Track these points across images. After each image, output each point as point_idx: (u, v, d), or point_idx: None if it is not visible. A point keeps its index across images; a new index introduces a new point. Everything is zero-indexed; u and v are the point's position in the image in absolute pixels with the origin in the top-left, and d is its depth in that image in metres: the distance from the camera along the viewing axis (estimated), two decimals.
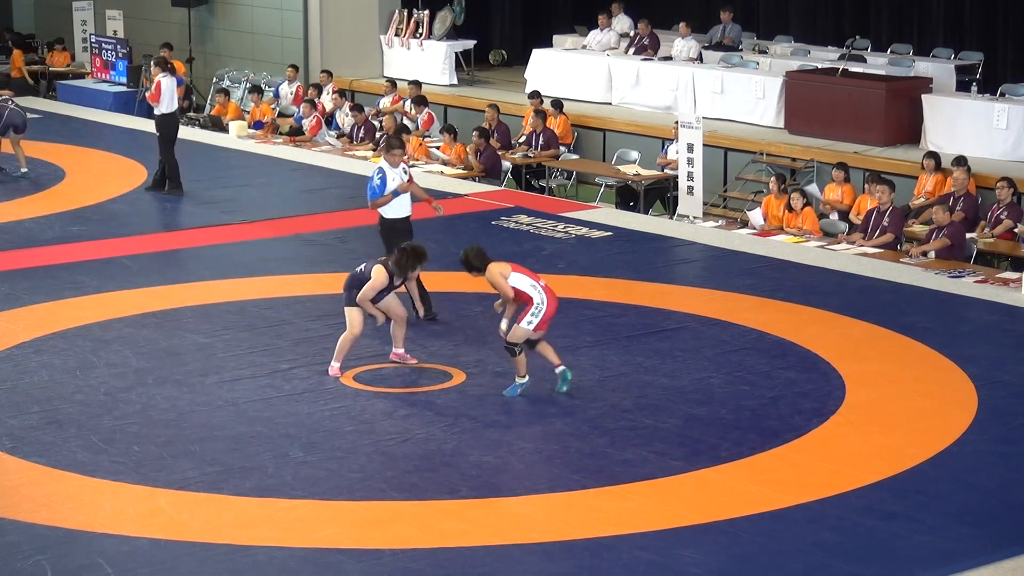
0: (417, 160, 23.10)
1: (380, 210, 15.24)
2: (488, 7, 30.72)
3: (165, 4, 30.45)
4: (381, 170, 15.15)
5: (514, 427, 12.40)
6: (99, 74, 30.19)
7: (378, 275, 13.34)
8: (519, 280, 12.95)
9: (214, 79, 29.70)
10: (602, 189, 22.42)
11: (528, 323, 12.88)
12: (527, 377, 13.07)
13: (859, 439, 12.13)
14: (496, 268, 13.00)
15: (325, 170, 22.73)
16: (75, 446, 11.94)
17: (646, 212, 21.40)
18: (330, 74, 27.10)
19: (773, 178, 19.63)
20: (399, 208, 15.28)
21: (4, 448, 11.91)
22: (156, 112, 21.36)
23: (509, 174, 22.96)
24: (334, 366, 13.59)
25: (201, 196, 21.23)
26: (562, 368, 13.14)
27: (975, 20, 25.43)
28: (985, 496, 11.06)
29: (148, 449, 11.90)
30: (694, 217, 20.27)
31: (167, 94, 21.11)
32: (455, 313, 15.56)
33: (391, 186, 15.11)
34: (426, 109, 25.13)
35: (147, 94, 22.04)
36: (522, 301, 12.95)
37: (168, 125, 21.25)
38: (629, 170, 22.05)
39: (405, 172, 15.40)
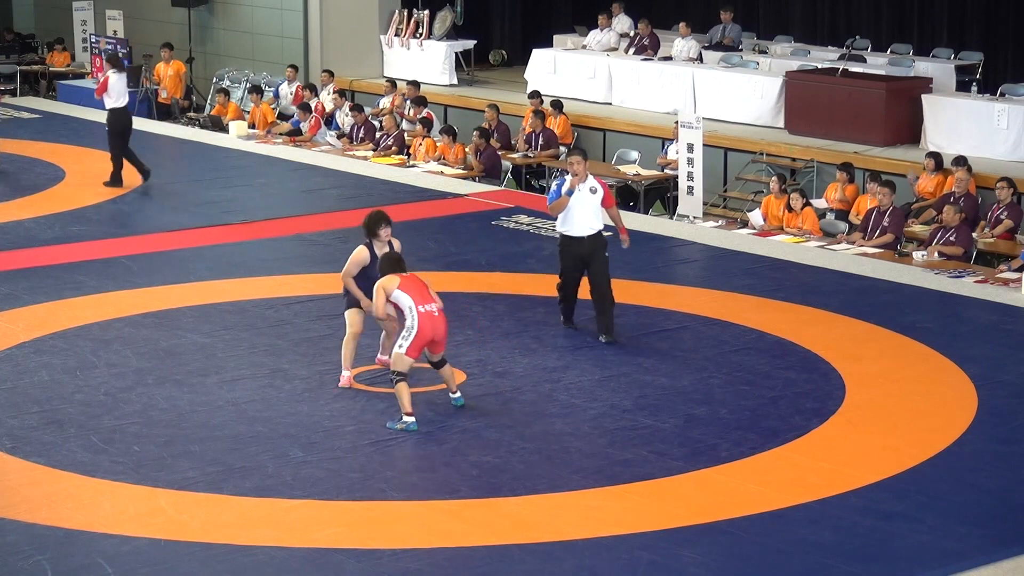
0: (420, 160, 23.13)
1: (557, 225, 14.69)
2: (488, 7, 30.72)
3: (165, 4, 30.45)
4: (563, 175, 14.60)
5: (514, 427, 12.40)
6: (99, 74, 30.13)
7: (357, 251, 13.21)
8: (401, 298, 12.39)
9: (214, 79, 29.70)
10: None
11: (399, 347, 12.38)
12: (412, 419, 12.29)
13: (859, 439, 12.13)
14: (383, 281, 12.50)
15: (325, 170, 22.73)
16: (75, 446, 11.94)
17: (646, 212, 21.40)
18: (331, 74, 27.10)
19: (774, 178, 19.63)
20: (569, 222, 14.50)
21: (4, 448, 11.91)
22: (106, 107, 21.73)
23: (509, 174, 22.96)
24: (344, 375, 13.32)
25: (201, 196, 21.24)
26: (456, 396, 12.81)
27: (975, 20, 25.44)
28: (985, 496, 11.06)
29: (148, 449, 11.91)
30: (694, 217, 20.27)
31: (115, 90, 21.59)
32: (455, 313, 15.52)
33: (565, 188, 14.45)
34: (425, 109, 25.12)
35: (95, 88, 22.31)
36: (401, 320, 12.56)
37: (118, 120, 21.65)
38: (629, 170, 22.05)
39: (594, 190, 14.54)
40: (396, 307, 12.52)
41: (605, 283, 14.57)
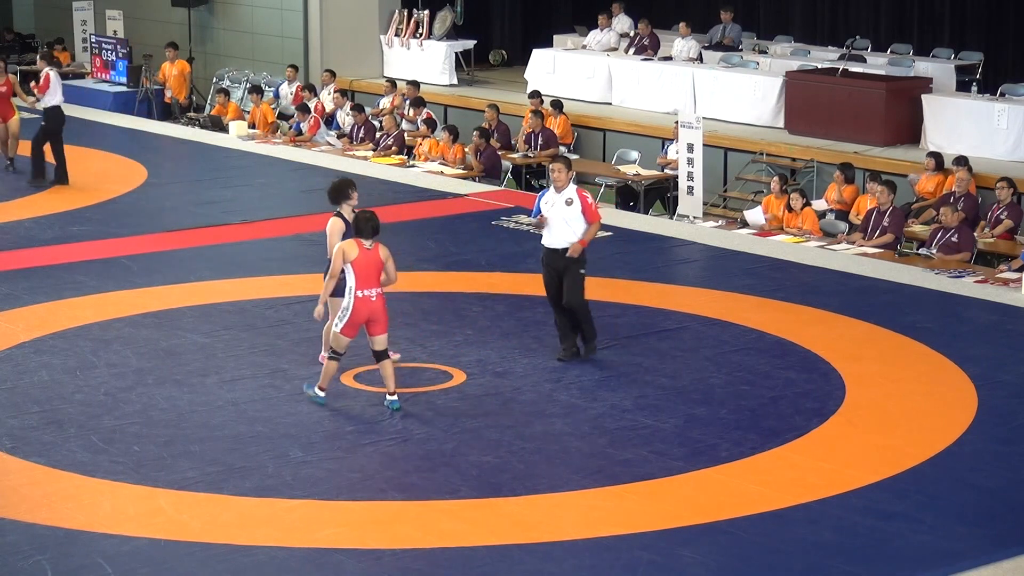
0: (421, 161, 23.14)
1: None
2: (488, 7, 30.73)
3: (165, 4, 30.45)
4: (544, 190, 14.25)
5: (514, 427, 12.39)
6: (99, 74, 30.19)
7: (332, 224, 13.16)
8: (348, 275, 12.54)
9: (214, 79, 29.71)
10: (602, 189, 22.41)
11: (336, 325, 12.58)
12: (323, 394, 12.72)
13: (859, 439, 12.13)
14: (344, 245, 12.58)
15: (325, 170, 22.72)
16: (75, 446, 11.94)
17: (646, 212, 21.40)
18: (333, 74, 27.10)
19: (776, 178, 19.64)
20: (546, 233, 14.06)
21: (4, 448, 11.91)
22: (42, 104, 21.74)
23: (509, 174, 22.96)
24: (323, 354, 13.43)
25: (201, 196, 21.24)
26: (391, 399, 12.76)
27: (975, 20, 25.44)
28: (985, 496, 11.06)
29: (148, 449, 11.90)
30: (694, 217, 20.27)
31: (54, 87, 21.62)
32: (455, 313, 15.55)
33: (543, 211, 13.99)
34: (425, 109, 25.13)
35: (34, 85, 22.33)
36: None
37: (54, 118, 21.73)
38: (629, 170, 22.06)
39: (570, 202, 13.89)
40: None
41: (572, 297, 13.93)
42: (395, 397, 12.75)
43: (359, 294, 12.49)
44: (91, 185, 21.79)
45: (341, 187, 13.39)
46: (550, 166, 14.31)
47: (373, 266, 12.54)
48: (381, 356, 12.71)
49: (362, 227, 12.62)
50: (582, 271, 14.05)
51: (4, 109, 22.67)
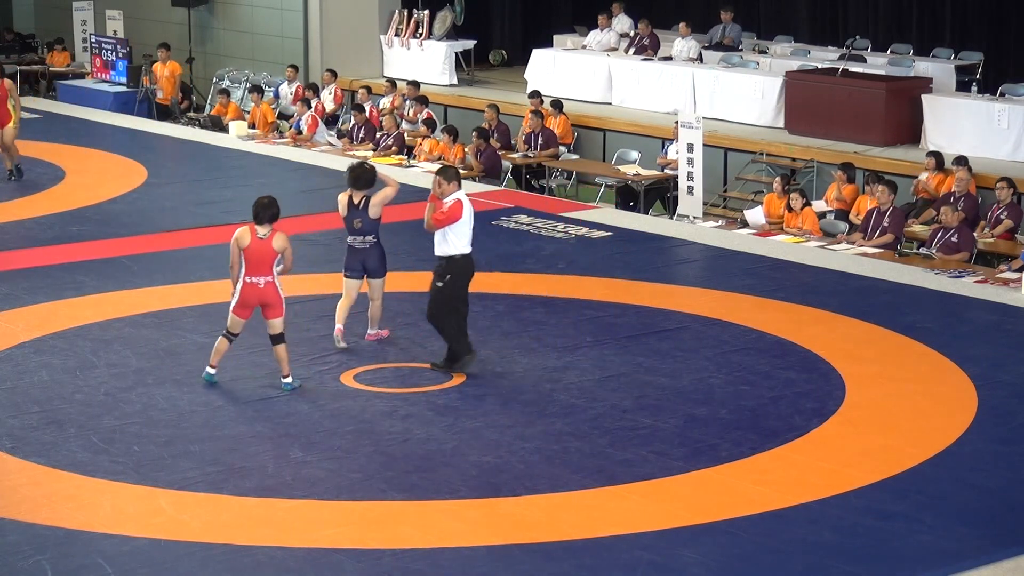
0: (423, 161, 23.12)
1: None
2: (488, 7, 30.72)
3: (165, 4, 30.45)
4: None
5: (514, 427, 12.39)
6: (99, 74, 30.18)
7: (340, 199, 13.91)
8: (243, 262, 12.98)
9: (214, 79, 29.70)
10: (602, 189, 22.43)
11: (231, 305, 13.11)
12: (214, 371, 13.26)
13: (859, 439, 12.13)
14: (237, 234, 13.07)
15: (325, 170, 22.72)
16: (75, 446, 11.94)
17: (646, 212, 21.40)
18: (335, 74, 27.10)
19: (778, 178, 19.63)
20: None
21: (4, 448, 11.91)
22: None
23: (509, 174, 22.96)
24: (337, 327, 14.18)
25: (201, 196, 21.24)
26: (287, 381, 13.09)
27: (975, 20, 25.44)
28: (985, 496, 11.06)
29: (148, 449, 11.90)
30: (694, 217, 20.27)
31: None
32: None
33: None
34: (426, 109, 25.13)
35: None
36: None
37: None
38: (629, 170, 22.05)
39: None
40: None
41: (428, 310, 13.66)
42: (289, 379, 13.11)
43: (247, 280, 12.94)
44: (91, 185, 21.79)
45: (364, 172, 14.08)
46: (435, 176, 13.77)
47: (266, 254, 12.90)
48: (276, 340, 13.04)
49: (259, 213, 13.05)
50: (438, 284, 13.57)
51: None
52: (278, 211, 13.07)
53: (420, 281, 16.26)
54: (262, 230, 12.94)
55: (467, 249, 13.64)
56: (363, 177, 14.15)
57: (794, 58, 25.00)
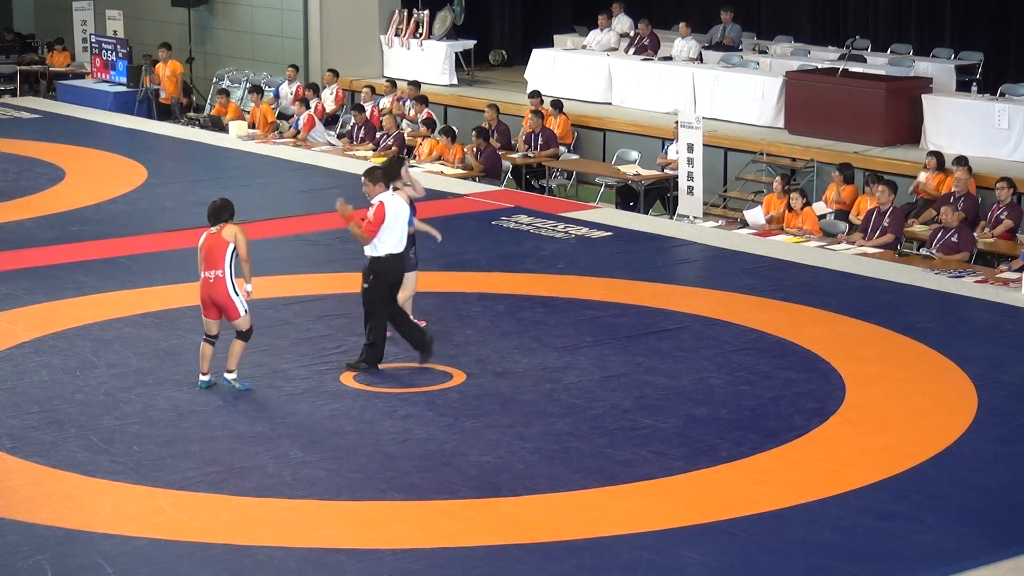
0: (424, 161, 23.13)
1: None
2: (488, 7, 30.72)
3: (165, 4, 30.45)
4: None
5: (514, 427, 12.39)
6: (99, 74, 30.19)
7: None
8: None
9: (214, 79, 29.70)
10: (602, 189, 22.43)
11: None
12: (205, 378, 13.21)
13: (859, 439, 12.13)
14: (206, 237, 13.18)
15: (325, 170, 22.73)
16: (75, 446, 11.94)
17: (646, 212, 21.40)
18: (336, 74, 27.10)
19: (778, 178, 19.63)
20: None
21: (4, 448, 11.91)
22: None
23: (509, 174, 22.96)
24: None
25: (201, 196, 21.20)
26: (229, 376, 13.16)
27: (975, 20, 25.44)
28: (985, 496, 11.06)
29: (148, 449, 11.90)
30: (694, 217, 20.27)
31: None
32: (455, 313, 15.56)
33: None
34: (426, 109, 25.13)
35: None
36: None
37: None
38: (629, 170, 22.05)
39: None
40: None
41: (365, 305, 13.67)
42: (232, 376, 13.20)
43: (201, 274, 13.08)
44: (91, 185, 21.79)
45: (391, 167, 13.97)
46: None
47: (215, 247, 13.01)
48: (239, 336, 13.16)
49: (210, 216, 13.18)
50: (365, 285, 13.58)
51: None
52: (232, 214, 13.17)
53: (420, 281, 16.25)
54: (212, 228, 13.08)
55: (396, 249, 13.52)
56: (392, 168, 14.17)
57: (794, 58, 25.00)
